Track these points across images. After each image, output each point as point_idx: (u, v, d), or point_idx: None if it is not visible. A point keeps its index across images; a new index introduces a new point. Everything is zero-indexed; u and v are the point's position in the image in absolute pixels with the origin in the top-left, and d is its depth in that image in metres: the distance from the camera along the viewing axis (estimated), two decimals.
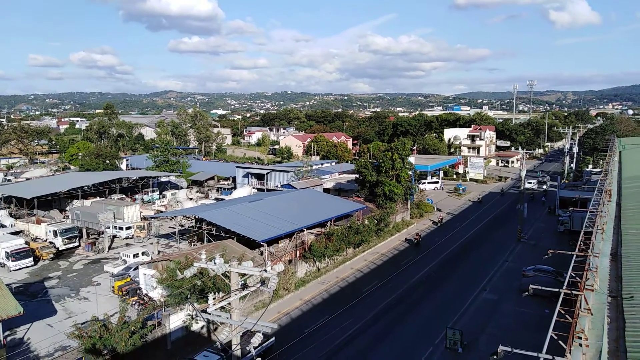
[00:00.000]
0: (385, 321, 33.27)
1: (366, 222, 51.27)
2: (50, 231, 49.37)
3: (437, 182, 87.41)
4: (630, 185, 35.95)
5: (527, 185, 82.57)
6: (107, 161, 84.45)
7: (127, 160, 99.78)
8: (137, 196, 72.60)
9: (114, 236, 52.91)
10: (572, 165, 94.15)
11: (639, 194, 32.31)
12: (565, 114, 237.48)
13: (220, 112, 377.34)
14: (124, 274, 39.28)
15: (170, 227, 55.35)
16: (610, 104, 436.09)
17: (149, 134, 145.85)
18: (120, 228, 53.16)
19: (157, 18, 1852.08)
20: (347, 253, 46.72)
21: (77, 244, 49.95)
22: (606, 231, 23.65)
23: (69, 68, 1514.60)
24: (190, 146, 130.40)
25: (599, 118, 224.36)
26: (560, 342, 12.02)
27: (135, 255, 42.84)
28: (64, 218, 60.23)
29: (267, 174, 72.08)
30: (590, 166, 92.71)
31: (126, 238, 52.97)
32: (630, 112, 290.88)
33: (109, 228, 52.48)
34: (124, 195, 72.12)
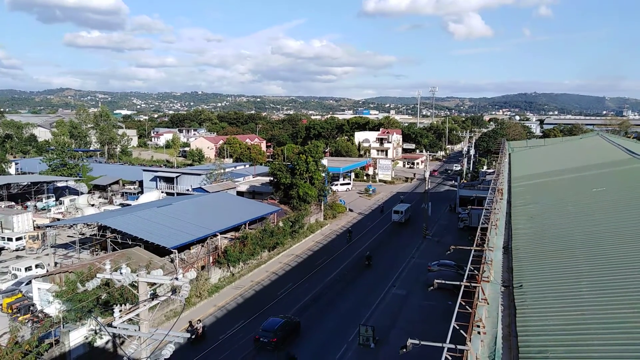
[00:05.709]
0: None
1: (281, 224, 51.37)
2: None
3: (349, 184, 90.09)
4: (518, 185, 39.81)
5: (455, 169, 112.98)
6: None
7: (16, 163, 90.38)
8: (28, 203, 66.21)
9: (2, 248, 47.70)
10: (469, 166, 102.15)
11: (525, 192, 35.90)
12: (463, 119, 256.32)
13: (125, 112, 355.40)
14: (14, 290, 35.52)
15: (69, 237, 51.05)
16: (500, 110, 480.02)
17: (42, 135, 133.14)
18: (9, 239, 48.07)
19: (49, 9, 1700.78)
20: (262, 256, 46.40)
21: None
22: (499, 227, 25.93)
23: None
24: (92, 148, 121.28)
25: (491, 123, 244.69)
26: (461, 331, 12.99)
27: (28, 269, 39.00)
28: None
29: (177, 177, 69.32)
30: (485, 167, 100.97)
31: (16, 250, 47.98)
32: (517, 117, 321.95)
33: None
34: (13, 203, 65.30)
